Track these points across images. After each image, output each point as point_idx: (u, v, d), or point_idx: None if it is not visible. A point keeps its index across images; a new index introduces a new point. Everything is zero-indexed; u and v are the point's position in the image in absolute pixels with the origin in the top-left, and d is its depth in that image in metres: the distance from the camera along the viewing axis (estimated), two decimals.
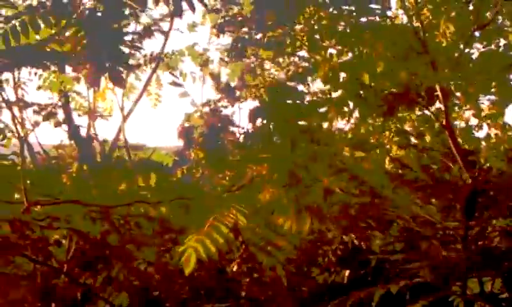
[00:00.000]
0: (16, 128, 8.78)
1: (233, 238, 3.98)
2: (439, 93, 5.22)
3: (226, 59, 11.28)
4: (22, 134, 8.73)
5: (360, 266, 4.51)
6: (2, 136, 8.96)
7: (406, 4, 5.94)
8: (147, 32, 8.45)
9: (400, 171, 4.80)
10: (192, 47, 11.47)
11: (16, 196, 4.23)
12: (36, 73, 8.92)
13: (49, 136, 11.82)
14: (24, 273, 3.91)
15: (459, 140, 5.97)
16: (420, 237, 4.00)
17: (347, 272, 4.51)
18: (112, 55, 6.70)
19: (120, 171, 5.46)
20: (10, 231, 3.78)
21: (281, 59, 11.03)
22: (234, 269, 4.42)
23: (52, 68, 8.91)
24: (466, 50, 5.49)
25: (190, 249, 3.58)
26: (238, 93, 11.17)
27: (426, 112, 5.85)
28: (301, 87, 9.36)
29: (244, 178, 4.78)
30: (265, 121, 4.90)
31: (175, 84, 10.57)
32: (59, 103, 9.26)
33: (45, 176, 5.06)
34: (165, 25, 9.54)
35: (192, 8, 7.57)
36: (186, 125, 11.06)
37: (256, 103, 10.96)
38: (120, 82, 7.44)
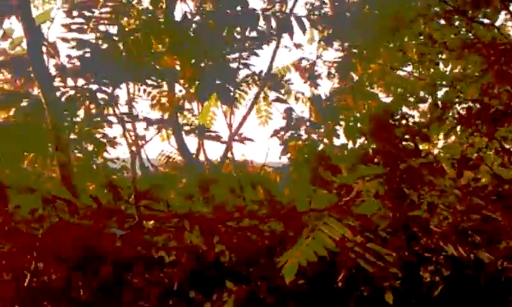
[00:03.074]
0: (128, 143, 8.96)
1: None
2: None
3: (334, 72, 11.24)
4: (133, 149, 8.90)
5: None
6: (102, 150, 9.13)
7: None
8: (255, 49, 8.49)
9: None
10: (299, 61, 11.48)
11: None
12: (145, 91, 9.10)
13: (157, 151, 12.00)
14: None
15: None
16: None
17: None
18: (222, 73, 6.77)
19: (228, 184, 5.51)
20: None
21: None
22: (343, 282, 4.41)
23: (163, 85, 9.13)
24: None
25: (293, 260, 3.59)
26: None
27: None
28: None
29: (350, 193, 4.77)
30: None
31: (279, 100, 10.59)
32: (167, 118, 9.40)
33: (155, 189, 5.15)
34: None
35: (303, 29, 7.56)
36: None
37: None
38: (228, 100, 7.51)
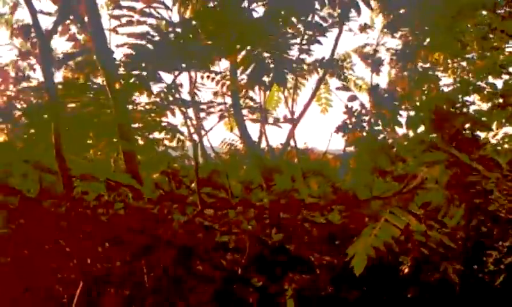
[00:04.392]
0: (189, 131, 9.01)
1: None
2: None
3: (396, 59, 11.11)
4: (195, 137, 8.96)
5: None
6: (171, 138, 9.19)
7: None
8: (316, 36, 8.43)
9: None
10: (363, 47, 11.38)
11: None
12: (208, 76, 9.16)
13: (220, 139, 12.03)
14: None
15: None
16: None
17: None
18: (278, 59, 6.75)
19: (290, 172, 5.52)
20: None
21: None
22: (406, 271, 4.39)
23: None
24: None
25: (361, 253, 3.59)
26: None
27: None
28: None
29: (413, 181, 4.74)
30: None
31: (343, 88, 10.53)
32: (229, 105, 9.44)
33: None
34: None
35: (358, 11, 7.50)
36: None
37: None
38: (282, 81, 7.49)
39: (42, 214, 3.90)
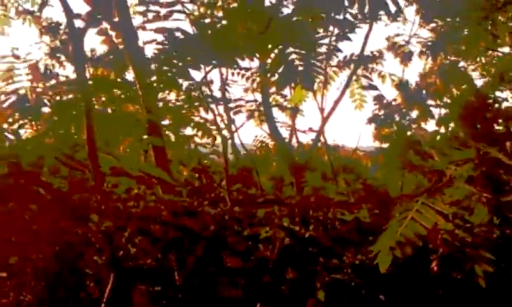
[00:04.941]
0: (218, 127, 9.03)
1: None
2: None
3: (427, 52, 11.02)
4: (225, 133, 8.98)
5: None
6: (202, 134, 9.22)
7: None
8: (345, 33, 8.41)
9: None
10: (394, 38, 11.32)
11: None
12: (238, 73, 9.20)
13: (251, 136, 12.02)
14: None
15: None
16: None
17: None
18: (308, 59, 6.74)
19: (321, 169, 5.53)
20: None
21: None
22: (435, 269, 4.39)
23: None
24: None
25: (386, 250, 3.59)
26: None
27: None
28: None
29: (442, 178, 4.73)
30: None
31: (370, 87, 10.50)
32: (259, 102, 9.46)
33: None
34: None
35: (398, 6, 7.46)
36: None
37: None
38: (310, 84, 7.47)
39: (73, 208, 3.95)
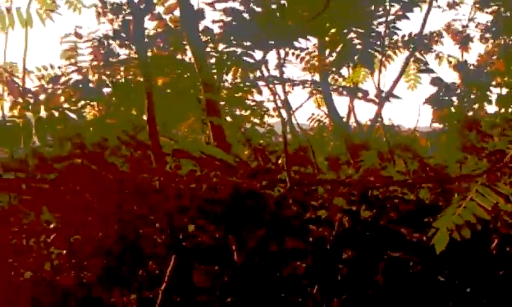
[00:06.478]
0: (277, 108, 9.02)
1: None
2: None
3: (488, 36, 10.89)
4: (283, 113, 8.98)
5: None
6: (259, 115, 9.23)
7: None
8: (404, 13, 8.32)
9: None
10: (451, 24, 11.20)
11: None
12: (293, 53, 9.17)
13: (307, 115, 11.98)
14: None
15: None
16: None
17: None
18: (365, 37, 6.70)
19: (378, 148, 5.50)
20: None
21: None
22: (496, 249, 4.35)
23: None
24: None
25: (444, 230, 3.56)
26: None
27: None
28: None
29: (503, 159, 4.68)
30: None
31: (427, 70, 10.39)
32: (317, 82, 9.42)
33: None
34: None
35: None
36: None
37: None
38: (369, 63, 7.43)
39: (136, 188, 4.00)
